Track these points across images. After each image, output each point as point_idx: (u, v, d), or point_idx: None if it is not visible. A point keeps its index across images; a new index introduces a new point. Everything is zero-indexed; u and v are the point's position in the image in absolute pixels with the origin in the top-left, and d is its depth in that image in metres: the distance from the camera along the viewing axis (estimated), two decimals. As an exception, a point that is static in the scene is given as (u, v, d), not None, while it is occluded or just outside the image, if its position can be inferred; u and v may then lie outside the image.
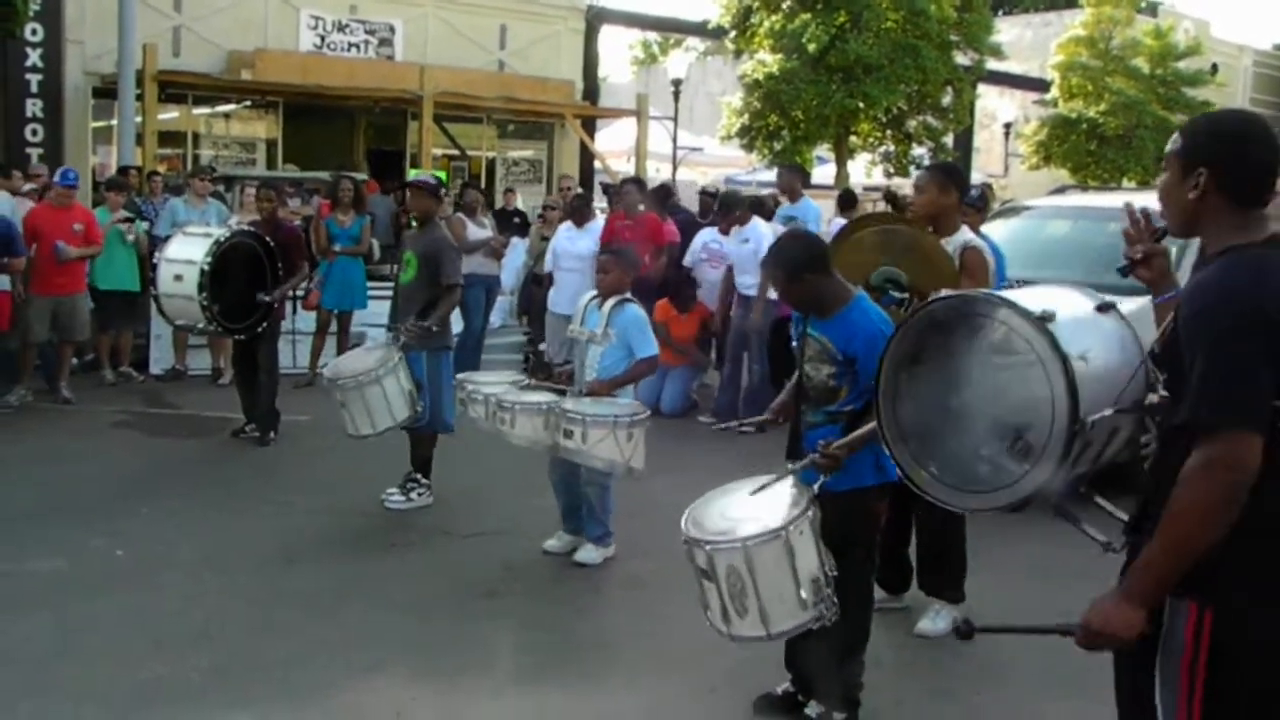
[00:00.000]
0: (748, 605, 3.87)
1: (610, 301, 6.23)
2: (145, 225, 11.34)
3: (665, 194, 12.20)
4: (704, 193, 14.85)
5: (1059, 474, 2.80)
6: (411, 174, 16.79)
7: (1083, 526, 3.01)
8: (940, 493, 3.06)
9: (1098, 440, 2.86)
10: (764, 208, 11.39)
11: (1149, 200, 10.55)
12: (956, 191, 5.46)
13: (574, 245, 10.67)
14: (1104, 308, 3.05)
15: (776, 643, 4.51)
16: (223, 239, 8.37)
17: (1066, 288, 3.20)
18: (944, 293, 3.24)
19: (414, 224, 7.87)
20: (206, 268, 8.16)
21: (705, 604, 4.04)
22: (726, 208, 10.64)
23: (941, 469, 3.04)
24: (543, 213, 13.34)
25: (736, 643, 4.06)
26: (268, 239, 8.69)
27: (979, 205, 7.89)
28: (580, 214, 11.04)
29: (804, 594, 3.89)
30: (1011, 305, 2.87)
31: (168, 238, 9.30)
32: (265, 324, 8.71)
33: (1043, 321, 2.78)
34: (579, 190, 13.18)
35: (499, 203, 17.92)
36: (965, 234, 5.45)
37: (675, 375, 10.42)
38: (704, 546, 3.93)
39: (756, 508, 4.05)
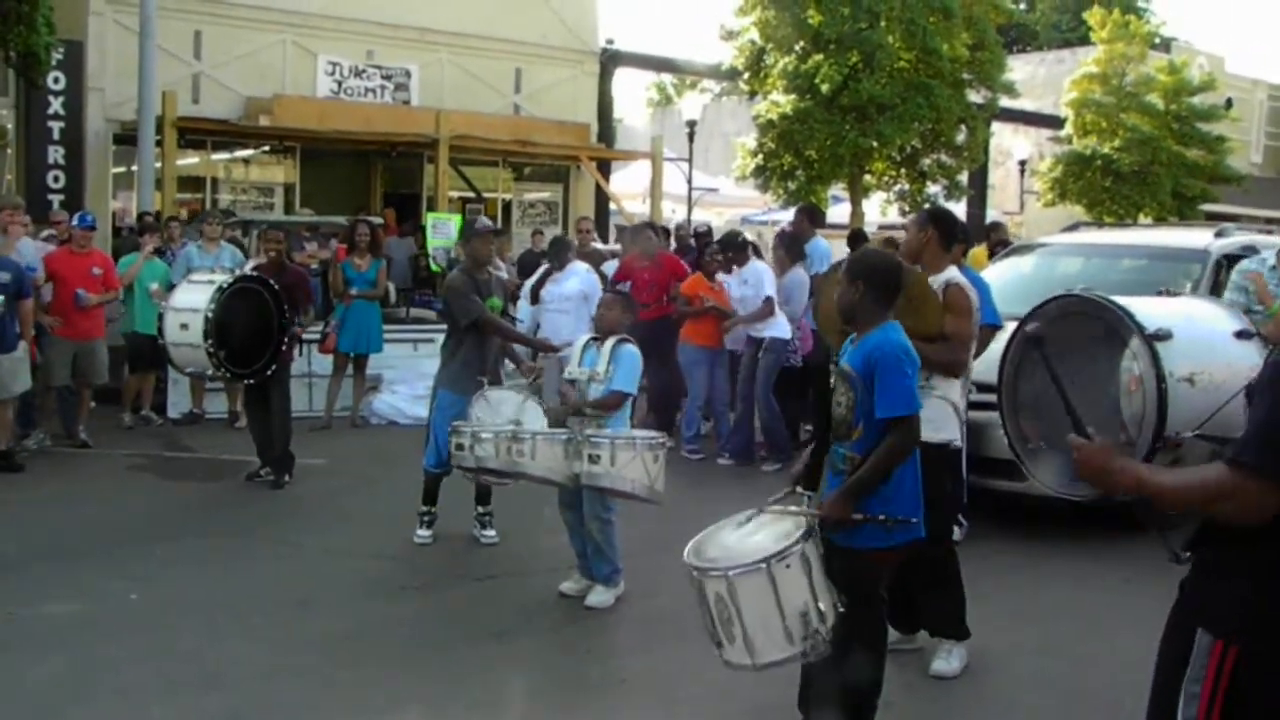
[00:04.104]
0: (734, 633, 3.96)
1: (611, 341, 6.28)
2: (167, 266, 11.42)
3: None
4: (696, 234, 14.92)
5: None
6: (429, 217, 16.90)
7: (1161, 534, 3.05)
8: (1039, 473, 3.16)
9: (1193, 460, 2.90)
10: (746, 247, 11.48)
11: (1163, 236, 10.57)
12: (934, 230, 5.56)
13: (559, 286, 10.71)
14: (1243, 334, 3.08)
15: (791, 685, 4.51)
16: (225, 285, 8.41)
17: (1218, 305, 3.26)
18: (1076, 290, 3.35)
19: (460, 267, 7.81)
20: (211, 315, 8.22)
21: (705, 628, 4.11)
22: (726, 247, 10.68)
23: (1046, 453, 3.14)
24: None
25: (729, 669, 4.10)
26: (271, 281, 8.76)
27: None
28: (560, 258, 11.07)
29: (789, 627, 3.92)
30: (1130, 317, 2.94)
31: (172, 286, 9.42)
32: (274, 367, 8.74)
33: (1154, 339, 2.85)
34: (591, 229, 13.23)
35: (521, 245, 18.05)
36: (950, 272, 5.53)
37: (722, 361, 10.54)
38: (694, 572, 4.04)
39: (757, 538, 4.09)
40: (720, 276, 10.60)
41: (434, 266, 15.26)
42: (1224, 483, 2.53)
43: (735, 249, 10.49)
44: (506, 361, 8.12)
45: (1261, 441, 2.51)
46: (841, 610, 4.00)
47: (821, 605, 3.97)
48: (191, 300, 8.44)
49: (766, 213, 25.98)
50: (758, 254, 10.68)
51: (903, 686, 5.19)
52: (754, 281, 10.14)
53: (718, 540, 4.21)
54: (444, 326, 7.91)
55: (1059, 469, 3.18)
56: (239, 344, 8.49)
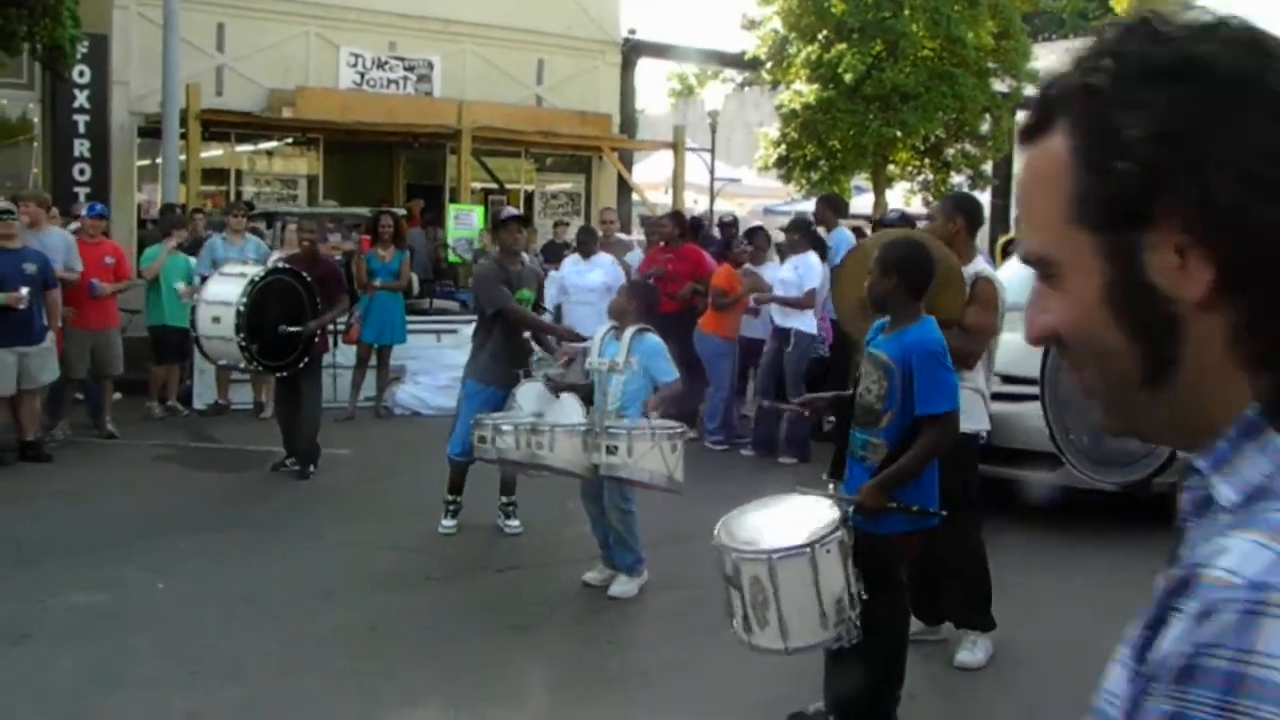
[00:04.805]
0: (768, 617, 3.93)
1: (630, 331, 6.26)
2: (192, 261, 11.45)
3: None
4: (722, 224, 14.84)
5: (1176, 464, 2.88)
6: (451, 208, 16.93)
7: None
8: (1079, 461, 3.20)
9: None
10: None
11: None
12: (962, 219, 5.51)
13: (583, 278, 10.68)
14: None
15: (814, 677, 4.49)
16: (258, 278, 8.44)
17: None
18: None
19: (494, 256, 7.78)
20: (242, 308, 8.23)
21: (730, 611, 4.09)
22: (794, 229, 10.60)
23: (1086, 440, 3.18)
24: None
25: (756, 653, 4.09)
26: (304, 274, 8.77)
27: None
28: (586, 246, 11.06)
29: (826, 612, 3.92)
30: None
31: (205, 278, 9.45)
32: (307, 359, 8.76)
33: None
34: (615, 220, 13.20)
35: (543, 236, 18.04)
36: (979, 264, 5.48)
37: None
38: (731, 554, 4.00)
39: (789, 522, 4.10)
40: (747, 266, 10.56)
41: (452, 258, 15.27)
42: None
43: (803, 232, 10.41)
44: (537, 348, 8.12)
45: None
46: (865, 598, 4.00)
47: (853, 591, 3.98)
48: (224, 293, 8.46)
49: (789, 203, 25.87)
50: (817, 246, 10.55)
51: (927, 677, 5.17)
52: (804, 271, 10.05)
53: (745, 523, 4.21)
54: (466, 318, 7.93)
55: (1098, 457, 3.21)
56: (272, 337, 8.49)
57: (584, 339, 8.20)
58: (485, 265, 7.71)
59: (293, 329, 8.56)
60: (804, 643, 4.00)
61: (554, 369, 7.55)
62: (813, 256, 10.18)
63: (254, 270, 8.65)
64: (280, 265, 8.94)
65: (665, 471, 5.91)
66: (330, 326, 9.38)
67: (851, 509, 4.14)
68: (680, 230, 11.21)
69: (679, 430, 6.06)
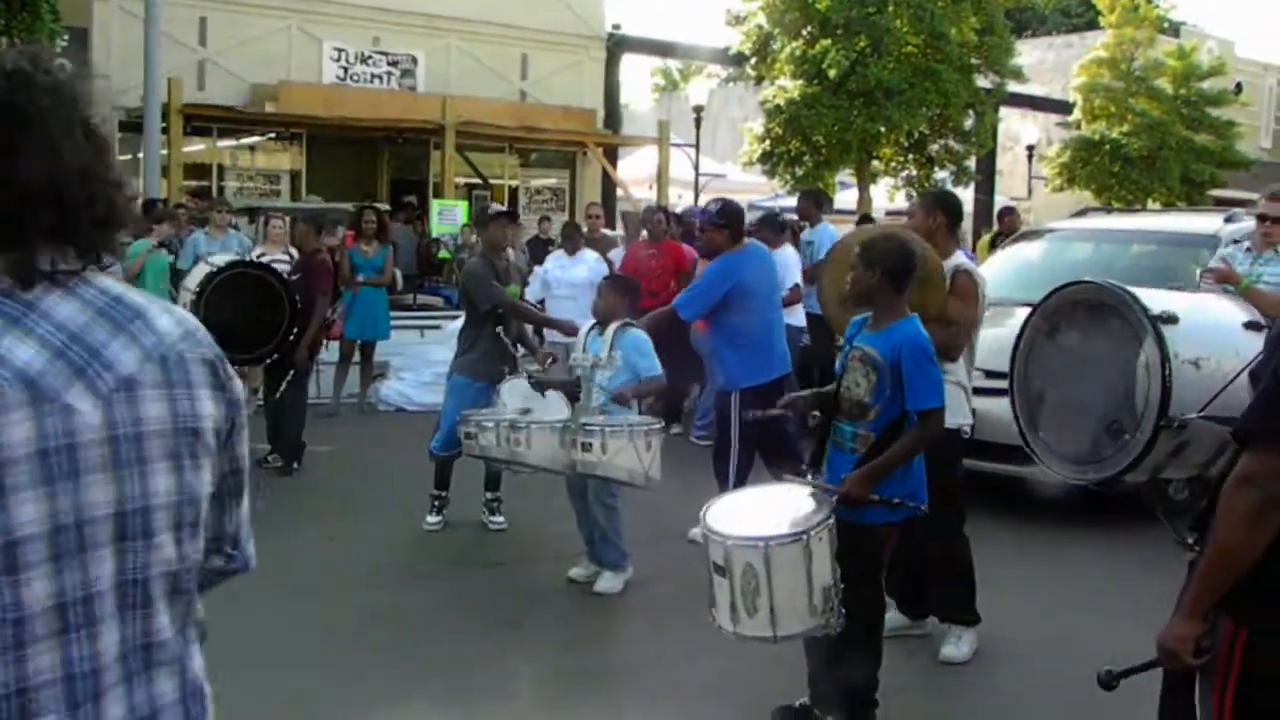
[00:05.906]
0: (759, 604, 3.94)
1: (613, 326, 6.25)
2: (170, 258, 11.40)
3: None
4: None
5: (1146, 461, 2.89)
6: (436, 204, 16.90)
7: (1163, 519, 3.09)
8: (1048, 458, 3.23)
9: (1201, 446, 2.92)
10: (784, 230, 11.30)
11: (1172, 222, 10.60)
12: (943, 215, 5.53)
13: (566, 273, 10.67)
14: (1252, 325, 3.14)
15: (799, 671, 4.50)
16: (215, 269, 8.51)
17: (1230, 299, 3.34)
18: (1085, 279, 3.43)
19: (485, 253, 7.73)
20: (195, 297, 8.32)
21: (713, 600, 4.09)
22: (763, 226, 10.59)
23: (1055, 437, 3.21)
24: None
25: (741, 642, 4.09)
26: (274, 267, 8.89)
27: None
28: (571, 242, 11.06)
29: (815, 600, 3.95)
30: (1137, 302, 3.00)
31: (192, 268, 9.47)
32: (276, 355, 8.70)
33: (1159, 321, 2.90)
34: (600, 215, 13.19)
35: (528, 231, 18.04)
36: (959, 258, 5.51)
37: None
38: (724, 542, 3.99)
39: (775, 511, 4.12)
40: None
41: (443, 254, 15.24)
42: (1240, 475, 2.41)
43: (771, 229, 10.40)
44: (520, 349, 8.10)
45: (1264, 407, 2.43)
46: (843, 586, 4.03)
47: (837, 578, 4.01)
48: (194, 281, 8.63)
49: (774, 199, 25.92)
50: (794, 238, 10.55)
51: (911, 672, 5.18)
52: (783, 267, 10.04)
53: (730, 511, 4.23)
54: (450, 313, 7.90)
55: (1067, 455, 3.21)
56: (239, 327, 8.40)
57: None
58: (476, 262, 7.70)
59: (276, 356, 8.66)
60: (792, 630, 4.01)
61: (534, 367, 7.54)
62: (789, 249, 10.19)
63: (222, 259, 8.76)
64: (251, 259, 9.06)
65: (640, 469, 5.86)
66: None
67: (835, 498, 4.17)
68: (666, 224, 11.23)
69: (656, 426, 6.03)
